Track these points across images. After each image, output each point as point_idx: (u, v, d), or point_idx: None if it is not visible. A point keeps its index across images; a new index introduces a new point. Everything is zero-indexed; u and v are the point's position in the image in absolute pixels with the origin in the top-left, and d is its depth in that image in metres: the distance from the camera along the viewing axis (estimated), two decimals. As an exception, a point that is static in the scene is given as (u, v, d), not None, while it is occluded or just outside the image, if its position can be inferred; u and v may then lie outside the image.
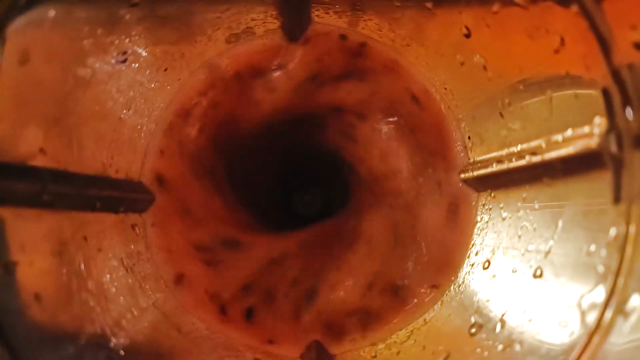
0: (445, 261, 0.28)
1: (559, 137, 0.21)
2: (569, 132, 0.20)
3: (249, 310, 0.28)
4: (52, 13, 0.19)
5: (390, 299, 0.29)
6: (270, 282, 0.29)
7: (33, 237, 0.21)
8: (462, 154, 0.29)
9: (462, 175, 0.28)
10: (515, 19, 0.22)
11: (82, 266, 0.23)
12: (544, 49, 0.21)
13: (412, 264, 0.29)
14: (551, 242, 0.21)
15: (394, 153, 0.30)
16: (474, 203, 0.28)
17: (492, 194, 0.27)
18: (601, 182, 0.19)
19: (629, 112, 0.18)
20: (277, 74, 0.29)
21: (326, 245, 0.30)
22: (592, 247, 0.19)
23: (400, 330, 0.28)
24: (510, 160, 0.24)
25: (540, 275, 0.21)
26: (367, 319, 0.29)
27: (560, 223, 0.21)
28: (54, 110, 0.22)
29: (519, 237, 0.24)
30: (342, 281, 0.29)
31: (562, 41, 0.20)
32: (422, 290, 0.28)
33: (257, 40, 0.28)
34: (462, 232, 0.28)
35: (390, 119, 0.30)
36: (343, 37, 0.29)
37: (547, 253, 0.21)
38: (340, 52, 0.29)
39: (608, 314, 0.17)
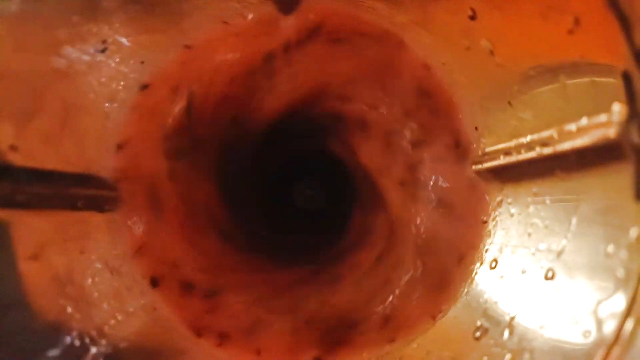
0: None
1: (572, 127, 0.19)
2: (584, 121, 0.18)
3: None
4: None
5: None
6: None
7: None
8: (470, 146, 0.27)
9: (474, 167, 0.27)
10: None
11: (62, 270, 0.22)
12: (557, 31, 0.19)
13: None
14: (564, 242, 0.19)
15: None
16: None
17: (500, 188, 0.25)
18: (620, 176, 0.17)
19: (652, 98, 0.16)
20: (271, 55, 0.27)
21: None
22: (611, 248, 0.17)
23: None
24: (519, 152, 0.22)
25: (552, 277, 0.20)
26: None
27: (574, 220, 0.19)
28: (27, 105, 0.21)
29: (529, 234, 0.22)
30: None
31: (577, 21, 0.18)
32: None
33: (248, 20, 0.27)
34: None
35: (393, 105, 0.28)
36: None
37: (560, 253, 0.20)
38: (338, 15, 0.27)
39: (629, 325, 0.15)
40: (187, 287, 0.26)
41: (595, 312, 0.16)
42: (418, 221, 0.27)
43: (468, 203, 0.27)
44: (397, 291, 0.27)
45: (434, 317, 0.26)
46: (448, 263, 0.26)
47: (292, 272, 0.29)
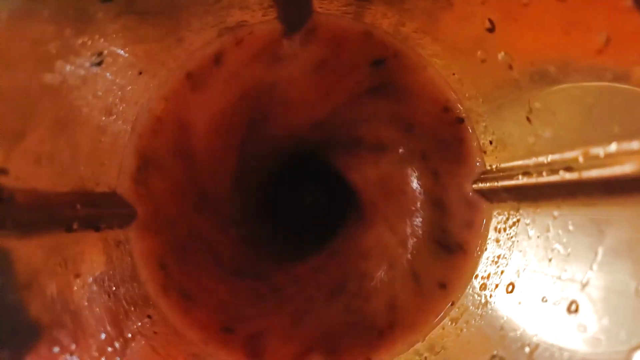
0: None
1: (599, 151, 0.18)
2: (613, 147, 0.17)
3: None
4: (4, 14, 0.17)
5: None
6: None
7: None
8: (478, 161, 0.26)
9: (480, 185, 0.25)
10: (549, 13, 0.19)
11: (55, 296, 0.21)
12: (584, 49, 0.18)
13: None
14: (589, 273, 0.18)
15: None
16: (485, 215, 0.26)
17: (517, 208, 0.24)
18: (651, 208, 0.16)
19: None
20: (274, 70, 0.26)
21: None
22: (643, 287, 0.16)
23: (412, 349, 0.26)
24: (539, 174, 0.21)
25: (576, 311, 0.18)
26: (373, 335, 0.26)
27: (600, 251, 0.18)
28: (17, 124, 0.19)
29: (550, 260, 0.21)
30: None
31: (608, 40, 0.17)
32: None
33: (251, 34, 0.25)
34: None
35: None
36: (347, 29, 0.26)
37: (585, 285, 0.18)
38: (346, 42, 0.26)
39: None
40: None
41: None
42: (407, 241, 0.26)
43: (462, 223, 0.26)
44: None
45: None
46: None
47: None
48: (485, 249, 0.26)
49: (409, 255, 0.27)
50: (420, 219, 0.27)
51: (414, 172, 0.27)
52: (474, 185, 0.26)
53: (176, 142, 0.25)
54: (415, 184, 0.27)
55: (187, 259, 0.26)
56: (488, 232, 0.26)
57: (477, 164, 0.26)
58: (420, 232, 0.27)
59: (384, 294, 0.27)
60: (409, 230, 0.28)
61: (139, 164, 0.25)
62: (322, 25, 0.26)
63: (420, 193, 0.27)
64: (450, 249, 0.27)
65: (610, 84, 0.17)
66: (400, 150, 0.27)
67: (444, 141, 0.27)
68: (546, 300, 0.20)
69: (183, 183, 0.26)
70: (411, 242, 0.27)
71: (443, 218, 0.27)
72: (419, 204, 0.28)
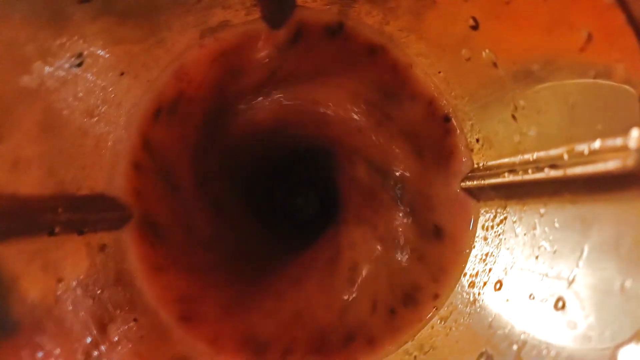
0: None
1: (584, 148, 0.18)
2: (597, 144, 0.17)
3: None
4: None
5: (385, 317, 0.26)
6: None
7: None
8: (465, 159, 0.26)
9: (467, 183, 0.25)
10: (531, 11, 0.18)
11: (37, 301, 0.20)
12: (567, 47, 0.18)
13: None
14: (576, 270, 0.18)
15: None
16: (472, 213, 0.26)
17: (504, 205, 0.24)
18: (635, 205, 0.16)
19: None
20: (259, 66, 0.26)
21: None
22: (628, 283, 0.16)
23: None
24: (525, 172, 0.21)
25: (563, 307, 0.18)
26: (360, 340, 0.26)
27: (586, 248, 0.18)
28: (-6, 128, 0.19)
29: (536, 258, 0.21)
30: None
31: (590, 37, 0.17)
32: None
33: (234, 30, 0.25)
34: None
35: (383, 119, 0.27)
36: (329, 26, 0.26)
37: (571, 282, 0.18)
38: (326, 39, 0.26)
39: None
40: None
41: (614, 357, 0.15)
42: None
43: (452, 221, 0.26)
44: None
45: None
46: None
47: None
48: (474, 247, 0.26)
49: (395, 255, 0.27)
50: (408, 218, 0.27)
51: (401, 170, 0.27)
52: (462, 184, 0.26)
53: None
54: (401, 182, 0.27)
55: (183, 260, 0.26)
56: (476, 230, 0.26)
57: (464, 161, 0.26)
58: (407, 231, 0.27)
59: (368, 293, 0.27)
60: (395, 229, 0.28)
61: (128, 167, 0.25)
62: (305, 22, 0.25)
63: (406, 192, 0.27)
64: (438, 247, 0.27)
65: (593, 80, 0.17)
66: (386, 149, 0.27)
67: (430, 140, 0.27)
68: (533, 298, 0.20)
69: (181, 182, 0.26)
70: (398, 241, 0.27)
71: (431, 216, 0.27)
72: (405, 203, 0.28)
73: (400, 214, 0.28)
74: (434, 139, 0.26)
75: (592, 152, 0.17)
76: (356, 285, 0.27)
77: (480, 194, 0.26)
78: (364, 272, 0.27)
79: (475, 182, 0.25)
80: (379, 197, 0.28)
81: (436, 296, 0.26)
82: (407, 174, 0.27)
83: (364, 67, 0.26)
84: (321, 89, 0.26)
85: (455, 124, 0.26)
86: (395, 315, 0.26)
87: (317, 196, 0.36)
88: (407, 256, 0.27)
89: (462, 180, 0.26)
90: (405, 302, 0.26)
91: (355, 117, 0.27)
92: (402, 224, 0.28)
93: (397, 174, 0.27)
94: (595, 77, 0.17)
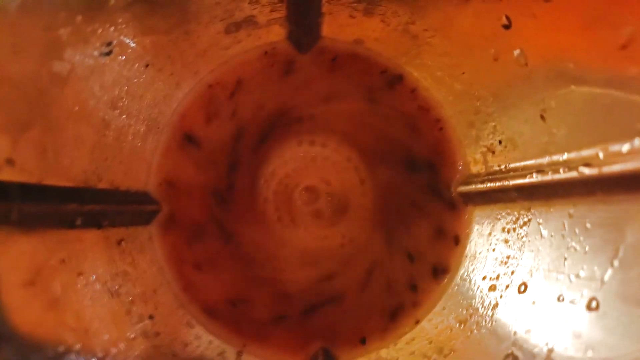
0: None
1: (621, 147, 0.18)
2: (637, 142, 0.17)
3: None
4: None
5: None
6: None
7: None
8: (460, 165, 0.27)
9: (463, 188, 0.26)
10: (570, 9, 0.18)
11: (59, 296, 0.20)
12: (606, 45, 0.18)
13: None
14: (610, 271, 0.18)
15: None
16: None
17: (527, 207, 0.24)
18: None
19: None
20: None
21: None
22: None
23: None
24: (556, 171, 0.21)
25: (597, 308, 0.18)
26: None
27: (621, 249, 0.18)
28: (24, 113, 0.18)
29: (565, 259, 0.21)
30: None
31: (633, 36, 0.17)
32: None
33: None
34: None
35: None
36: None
37: (605, 283, 0.18)
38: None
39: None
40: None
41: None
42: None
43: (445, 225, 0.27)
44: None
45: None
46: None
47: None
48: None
49: (390, 259, 0.27)
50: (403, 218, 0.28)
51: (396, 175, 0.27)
52: (459, 189, 0.27)
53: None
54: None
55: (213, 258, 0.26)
56: (471, 231, 0.27)
57: (460, 168, 0.27)
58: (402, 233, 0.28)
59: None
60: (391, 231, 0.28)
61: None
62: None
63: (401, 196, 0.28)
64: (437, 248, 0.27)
65: (631, 78, 0.17)
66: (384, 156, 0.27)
67: (427, 146, 0.27)
68: (563, 300, 0.20)
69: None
70: (392, 246, 0.28)
71: (426, 218, 0.28)
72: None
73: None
74: (431, 145, 0.27)
75: (631, 152, 0.17)
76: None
77: (477, 199, 0.27)
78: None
79: (472, 187, 0.26)
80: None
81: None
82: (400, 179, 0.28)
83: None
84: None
85: (451, 130, 0.26)
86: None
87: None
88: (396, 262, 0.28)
89: (459, 186, 0.27)
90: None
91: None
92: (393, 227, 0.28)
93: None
94: (633, 78, 0.17)
